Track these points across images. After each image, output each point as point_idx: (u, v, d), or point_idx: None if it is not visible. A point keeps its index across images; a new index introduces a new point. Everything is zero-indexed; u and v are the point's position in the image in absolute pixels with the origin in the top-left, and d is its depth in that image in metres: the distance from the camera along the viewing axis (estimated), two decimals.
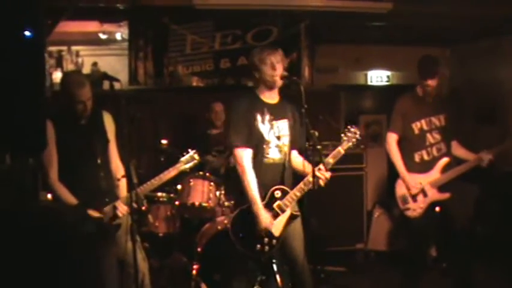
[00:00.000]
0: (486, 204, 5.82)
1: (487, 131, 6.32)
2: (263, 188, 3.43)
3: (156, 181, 3.58)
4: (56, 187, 3.35)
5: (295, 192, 3.45)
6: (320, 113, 5.35)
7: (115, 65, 6.12)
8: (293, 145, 3.59)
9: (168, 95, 6.33)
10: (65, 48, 6.11)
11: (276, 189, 3.47)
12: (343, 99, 7.03)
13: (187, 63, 6.28)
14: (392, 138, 4.34)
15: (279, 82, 3.45)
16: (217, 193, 4.79)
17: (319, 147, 3.29)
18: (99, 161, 3.50)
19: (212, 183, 4.82)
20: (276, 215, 3.45)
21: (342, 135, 3.59)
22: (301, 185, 3.44)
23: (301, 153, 3.64)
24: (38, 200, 4.06)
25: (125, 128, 3.42)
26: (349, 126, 3.61)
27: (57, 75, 5.76)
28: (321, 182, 3.40)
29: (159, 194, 4.95)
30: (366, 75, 7.40)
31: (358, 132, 3.58)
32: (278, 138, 3.50)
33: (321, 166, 3.39)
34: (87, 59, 6.18)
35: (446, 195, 4.21)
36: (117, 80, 3.33)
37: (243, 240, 3.45)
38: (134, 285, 3.35)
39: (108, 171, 3.58)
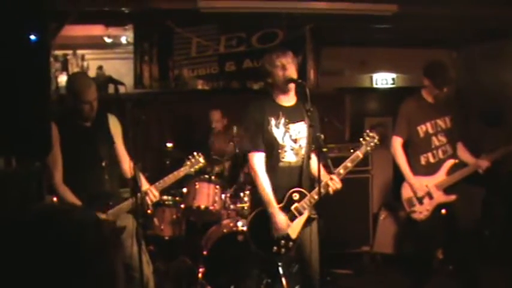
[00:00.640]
0: (493, 206, 5.79)
1: (493, 132, 6.29)
2: (280, 191, 3.44)
3: (169, 179, 3.61)
4: (61, 190, 3.35)
5: (313, 195, 3.44)
6: (325, 115, 5.34)
7: (120, 68, 6.15)
8: (311, 146, 3.56)
9: (173, 98, 6.35)
10: (70, 52, 6.13)
11: (294, 192, 3.47)
12: (349, 102, 7.04)
13: (193, 67, 6.28)
14: (397, 142, 4.34)
15: (292, 84, 3.44)
16: (223, 196, 4.79)
17: (325, 149, 3.30)
18: (103, 164, 3.50)
19: (218, 187, 4.81)
20: (293, 218, 3.45)
21: (361, 139, 3.61)
22: (319, 188, 3.42)
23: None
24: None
25: (130, 132, 3.43)
26: (367, 131, 3.65)
27: (62, 79, 5.79)
28: (330, 190, 3.41)
29: (165, 197, 4.93)
30: (371, 78, 7.37)
31: (376, 137, 3.61)
32: (295, 141, 3.49)
33: (334, 176, 3.41)
34: (92, 62, 6.21)
35: (453, 197, 4.19)
36: (122, 84, 3.34)
37: (259, 242, 3.45)
38: None
39: (113, 174, 3.58)
